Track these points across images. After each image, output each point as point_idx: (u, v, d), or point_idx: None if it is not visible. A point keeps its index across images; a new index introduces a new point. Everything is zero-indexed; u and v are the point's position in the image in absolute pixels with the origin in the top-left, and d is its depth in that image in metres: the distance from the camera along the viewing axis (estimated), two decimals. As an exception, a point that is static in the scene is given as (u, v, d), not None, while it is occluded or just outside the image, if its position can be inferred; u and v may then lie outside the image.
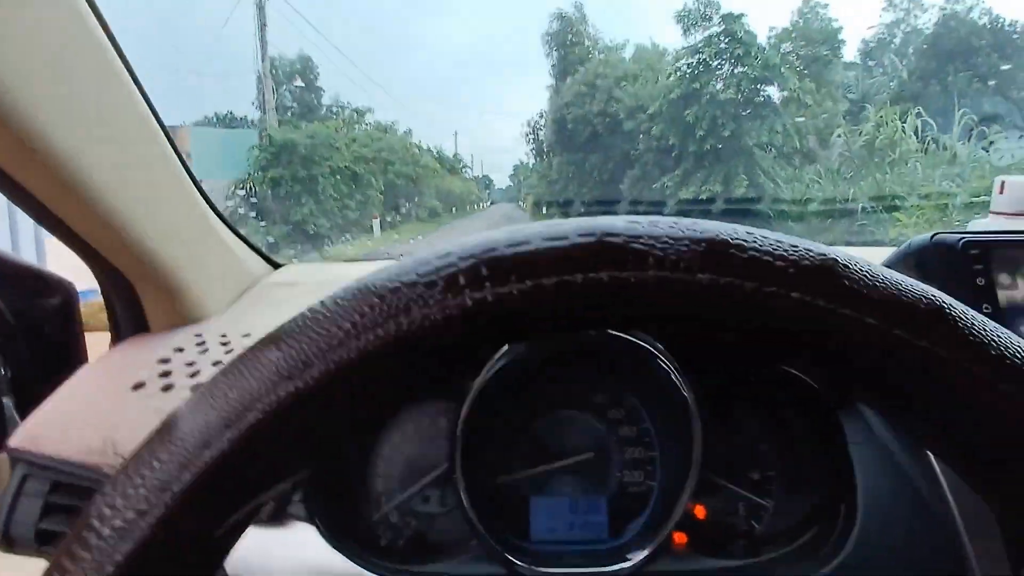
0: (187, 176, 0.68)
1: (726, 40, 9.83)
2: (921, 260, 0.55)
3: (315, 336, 0.17)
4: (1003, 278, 0.52)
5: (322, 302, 0.18)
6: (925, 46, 14.87)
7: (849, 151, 8.48)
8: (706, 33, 10.25)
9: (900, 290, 0.18)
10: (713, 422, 0.56)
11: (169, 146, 0.64)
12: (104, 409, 0.55)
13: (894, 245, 0.64)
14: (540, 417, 0.60)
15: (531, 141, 18.28)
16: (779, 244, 0.19)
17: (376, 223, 13.01)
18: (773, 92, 10.09)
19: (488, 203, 32.89)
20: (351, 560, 0.52)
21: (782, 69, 9.72)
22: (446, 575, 0.55)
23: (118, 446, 0.52)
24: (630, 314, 0.19)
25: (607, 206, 11.79)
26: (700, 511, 0.58)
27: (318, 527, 0.53)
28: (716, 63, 9.94)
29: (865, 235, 6.10)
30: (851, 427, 0.56)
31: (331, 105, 19.50)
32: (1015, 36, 14.39)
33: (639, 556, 0.52)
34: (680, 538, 0.56)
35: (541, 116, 17.03)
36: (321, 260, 8.09)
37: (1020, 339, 0.19)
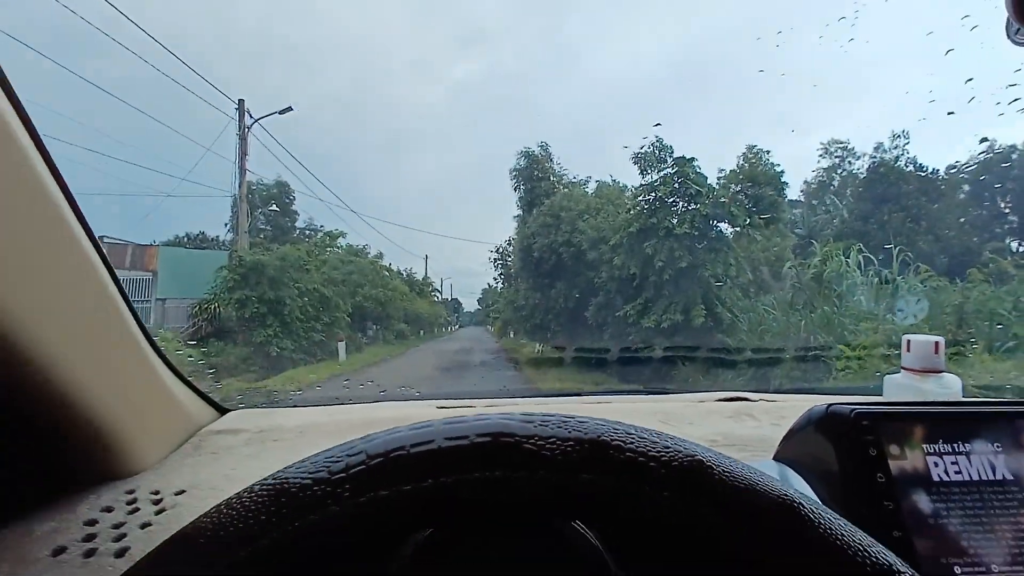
0: (129, 315, 0.67)
1: (679, 180, 10.58)
2: (821, 428, 0.57)
3: (225, 534, 0.19)
4: (893, 448, 0.54)
5: (239, 494, 0.20)
6: (860, 189, 16.25)
7: (800, 283, 8.88)
8: (661, 173, 11.05)
9: (757, 490, 0.21)
10: None
11: (112, 283, 0.63)
12: None
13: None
14: None
15: (499, 266, 18.74)
16: (653, 444, 0.22)
17: (342, 346, 12.85)
18: (725, 227, 10.74)
19: (456, 326, 33.15)
20: None
21: (732, 208, 10.43)
22: None
23: None
24: (520, 506, 0.22)
25: (571, 333, 12.00)
26: None
27: None
28: (671, 200, 10.61)
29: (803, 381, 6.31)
30: None
31: (304, 228, 19.93)
32: (938, 182, 15.89)
33: None
34: None
35: (509, 243, 17.60)
36: (280, 384, 7.86)
37: (844, 522, 0.23)
